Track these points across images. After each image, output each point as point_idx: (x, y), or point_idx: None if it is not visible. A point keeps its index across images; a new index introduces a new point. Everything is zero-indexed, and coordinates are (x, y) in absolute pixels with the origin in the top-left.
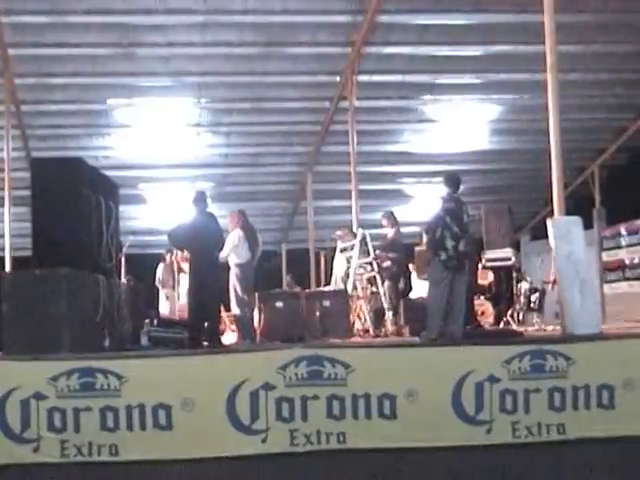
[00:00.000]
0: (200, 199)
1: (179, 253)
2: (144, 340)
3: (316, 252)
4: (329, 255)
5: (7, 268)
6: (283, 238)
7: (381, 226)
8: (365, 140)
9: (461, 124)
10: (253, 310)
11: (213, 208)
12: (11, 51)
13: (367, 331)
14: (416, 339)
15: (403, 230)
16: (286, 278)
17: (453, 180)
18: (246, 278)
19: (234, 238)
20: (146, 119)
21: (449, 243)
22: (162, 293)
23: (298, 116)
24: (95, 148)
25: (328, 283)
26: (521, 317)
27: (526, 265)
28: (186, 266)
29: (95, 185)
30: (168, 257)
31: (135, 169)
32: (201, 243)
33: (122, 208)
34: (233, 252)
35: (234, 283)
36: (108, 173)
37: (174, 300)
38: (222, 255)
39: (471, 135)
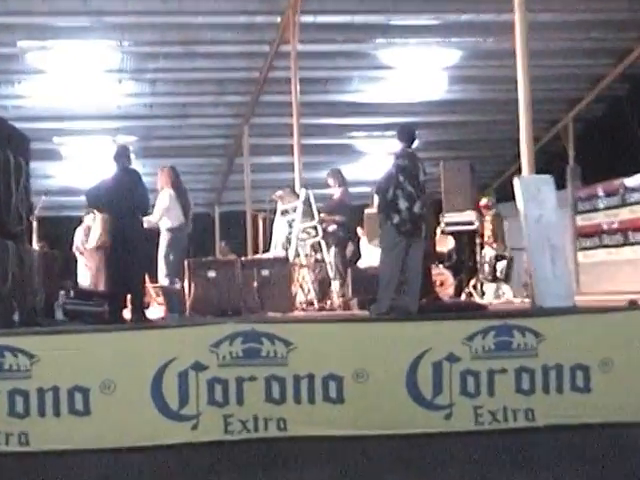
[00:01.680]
0: (122, 154)
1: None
2: (59, 314)
3: (253, 215)
4: (268, 218)
5: None
6: (216, 199)
7: (327, 186)
8: (309, 89)
9: (417, 71)
10: (183, 281)
11: (137, 165)
12: None
13: (311, 304)
14: (366, 313)
15: (352, 190)
16: (219, 244)
17: (407, 133)
18: (179, 244)
19: (164, 199)
20: (62, 64)
21: (403, 205)
22: (80, 261)
23: (233, 62)
24: (4, 97)
25: (267, 250)
26: (485, 288)
27: None
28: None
29: (2, 138)
30: (87, 219)
31: (49, 120)
32: (123, 204)
33: (34, 164)
34: (165, 215)
35: (165, 250)
36: (19, 125)
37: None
38: (152, 219)
39: (428, 83)
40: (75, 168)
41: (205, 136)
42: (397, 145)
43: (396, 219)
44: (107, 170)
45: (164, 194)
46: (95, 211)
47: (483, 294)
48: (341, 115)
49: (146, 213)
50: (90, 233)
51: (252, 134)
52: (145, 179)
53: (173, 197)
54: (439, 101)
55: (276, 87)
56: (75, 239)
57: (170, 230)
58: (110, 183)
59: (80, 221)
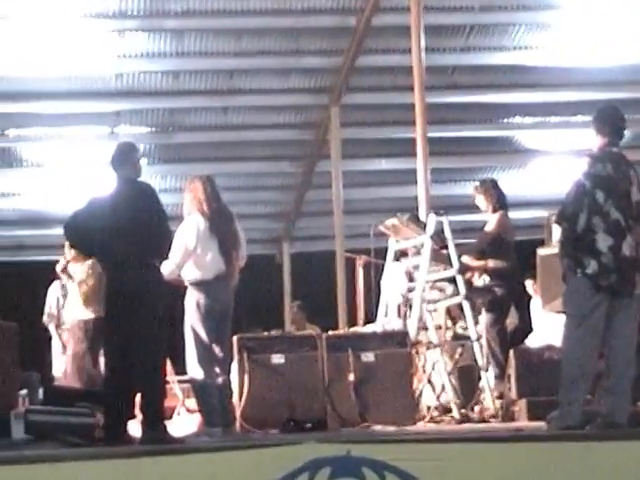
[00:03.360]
0: (125, 158)
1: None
2: (17, 430)
3: (348, 259)
4: (373, 265)
5: None
6: (285, 232)
7: (474, 208)
8: (439, 43)
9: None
10: (229, 371)
11: (151, 175)
12: None
13: (447, 410)
14: (543, 426)
15: (515, 216)
16: (290, 307)
17: (610, 120)
18: (214, 310)
19: (190, 232)
20: (23, 6)
21: (603, 241)
22: (54, 338)
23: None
24: None
25: (371, 320)
26: None
27: None
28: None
29: None
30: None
31: (1, 100)
32: (127, 242)
33: None
34: (190, 259)
35: (191, 319)
36: None
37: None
38: (168, 266)
39: None
40: (44, 180)
41: (266, 125)
42: (593, 141)
43: (592, 266)
44: (100, 184)
45: (189, 224)
46: (78, 254)
47: None
48: (493, 88)
49: (166, 257)
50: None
51: (345, 121)
52: (165, 199)
53: (204, 228)
54: None
55: (385, 40)
56: (47, 301)
57: (199, 285)
58: (105, 207)
59: (54, 270)
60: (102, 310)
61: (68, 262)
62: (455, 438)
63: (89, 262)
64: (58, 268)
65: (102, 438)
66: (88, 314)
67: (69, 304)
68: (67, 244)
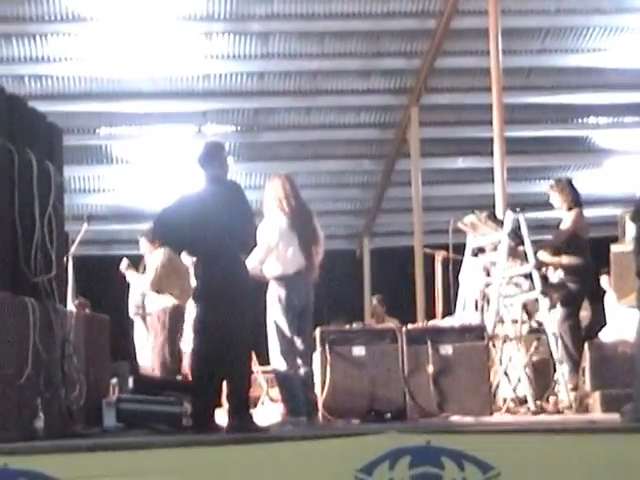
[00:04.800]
0: (213, 156)
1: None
2: (109, 418)
3: (427, 254)
4: (452, 260)
5: None
6: (365, 229)
7: (550, 206)
8: (518, 45)
9: None
10: (311, 362)
11: (238, 172)
12: None
13: (523, 402)
14: (617, 418)
15: (590, 214)
16: (371, 301)
17: None
18: (296, 304)
19: (272, 230)
20: (115, 9)
21: None
22: (140, 330)
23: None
24: (20, 61)
25: (449, 313)
26: None
27: None
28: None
29: (17, 130)
30: (152, 260)
31: (93, 100)
32: (215, 237)
33: (69, 171)
34: (271, 255)
35: (274, 313)
36: (42, 107)
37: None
38: (251, 262)
39: None
40: (134, 177)
41: (348, 125)
42: None
43: None
44: (189, 182)
45: (271, 221)
46: (167, 249)
47: None
48: (569, 89)
49: (250, 252)
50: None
51: (424, 121)
52: (250, 196)
53: (285, 225)
54: None
55: (463, 42)
56: (131, 295)
57: (281, 280)
58: (194, 204)
59: (141, 264)
60: (177, 297)
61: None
62: (532, 429)
63: (158, 251)
64: (122, 267)
65: (190, 426)
66: (164, 303)
67: (145, 296)
68: (142, 239)
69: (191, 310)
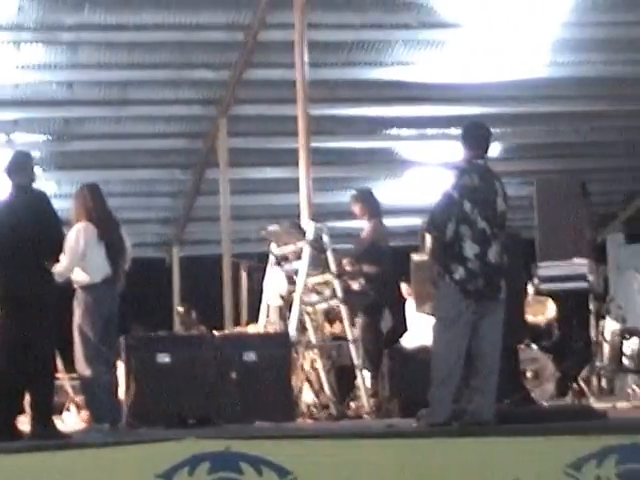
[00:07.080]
0: (19, 166)
1: None
2: None
3: (234, 263)
4: (256, 269)
5: None
6: (175, 237)
7: (351, 216)
8: (323, 59)
9: (498, 30)
10: (116, 369)
11: (46, 182)
12: None
13: (325, 407)
14: (413, 423)
15: (391, 223)
16: (178, 309)
17: (476, 134)
18: (102, 311)
19: (77, 239)
20: None
21: (470, 249)
22: None
23: (206, 11)
24: None
25: (254, 320)
26: (604, 383)
27: (617, 288)
28: None
29: None
30: None
31: None
32: (19, 247)
33: None
34: (77, 264)
35: (80, 320)
36: None
37: None
38: (58, 269)
39: (519, 52)
40: None
41: (158, 135)
42: (461, 153)
43: (460, 272)
44: None
45: (78, 230)
46: None
47: (601, 392)
48: (373, 102)
49: (57, 260)
50: None
51: (233, 131)
52: (59, 204)
53: (92, 235)
54: (535, 80)
55: (271, 55)
56: None
57: (87, 288)
58: (1, 213)
59: None
60: None
61: None
62: (329, 434)
63: None
64: None
65: None
66: None
67: None
68: None
69: None
